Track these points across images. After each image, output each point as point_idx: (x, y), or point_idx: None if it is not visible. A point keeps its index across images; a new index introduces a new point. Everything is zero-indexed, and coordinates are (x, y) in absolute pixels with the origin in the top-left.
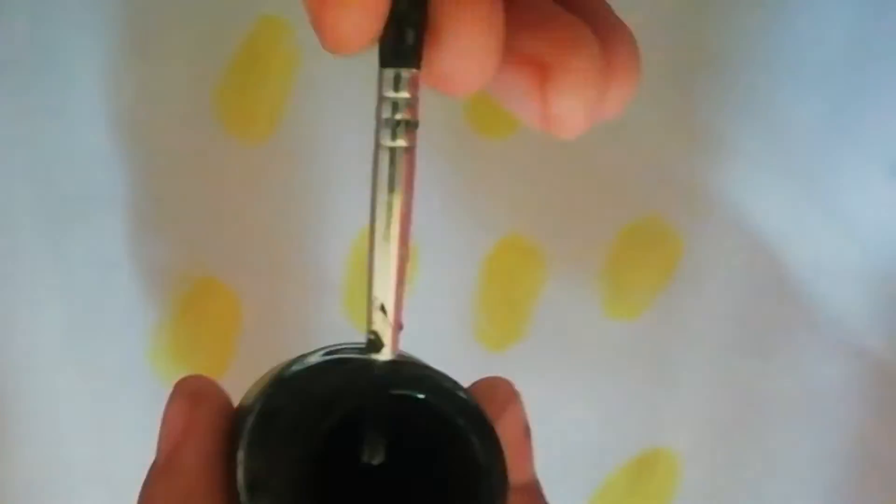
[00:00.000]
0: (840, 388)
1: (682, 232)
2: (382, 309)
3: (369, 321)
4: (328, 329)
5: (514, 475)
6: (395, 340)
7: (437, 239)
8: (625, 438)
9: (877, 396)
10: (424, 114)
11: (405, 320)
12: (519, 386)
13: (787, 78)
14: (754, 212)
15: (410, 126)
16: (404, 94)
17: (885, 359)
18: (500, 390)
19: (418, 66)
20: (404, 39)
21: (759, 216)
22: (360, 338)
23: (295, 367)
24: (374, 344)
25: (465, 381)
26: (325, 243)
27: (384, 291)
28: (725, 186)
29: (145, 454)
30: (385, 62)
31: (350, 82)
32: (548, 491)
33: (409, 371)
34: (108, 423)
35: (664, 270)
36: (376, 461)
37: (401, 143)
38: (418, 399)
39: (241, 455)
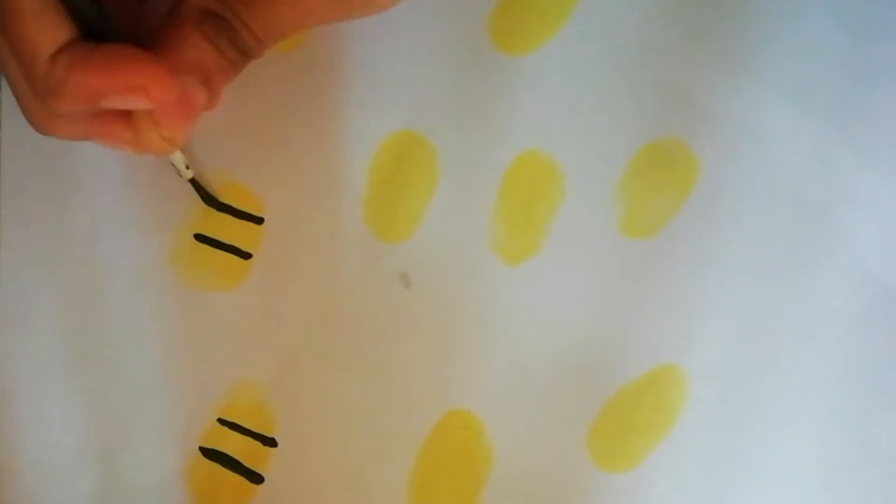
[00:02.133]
0: (852, 314)
1: (701, 154)
2: None
3: None
4: (349, 236)
5: None
6: None
7: (457, 152)
8: (635, 355)
9: (885, 321)
10: (447, 30)
11: None
12: (532, 299)
13: (812, 7)
14: (773, 137)
15: None
16: None
17: (895, 285)
18: None
19: None
20: None
21: (778, 141)
22: None
23: None
24: None
25: (479, 298)
26: (347, 152)
27: None
28: (746, 111)
29: (165, 354)
30: None
31: None
32: (558, 404)
33: None
34: (128, 322)
35: (681, 191)
36: None
37: None
38: None
39: None
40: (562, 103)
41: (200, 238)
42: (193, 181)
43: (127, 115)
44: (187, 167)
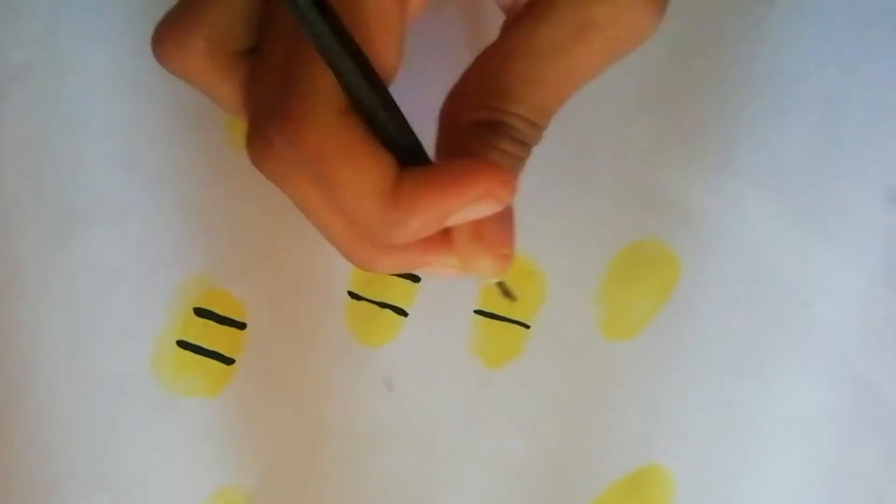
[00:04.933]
0: (834, 412)
1: (681, 254)
2: None
3: None
4: (331, 341)
5: None
6: None
7: None
8: (619, 456)
9: (870, 420)
10: (418, 125)
11: None
12: (515, 402)
13: (787, 103)
14: (753, 235)
15: None
16: None
17: (880, 383)
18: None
19: None
20: None
21: (757, 239)
22: None
23: None
24: None
25: (462, 401)
26: (329, 256)
27: None
28: (725, 209)
29: (147, 460)
30: None
31: None
32: None
33: None
34: (110, 429)
35: (662, 292)
36: None
37: None
38: None
39: None
40: (541, 206)
41: (182, 344)
42: (500, 284)
43: (447, 241)
44: None
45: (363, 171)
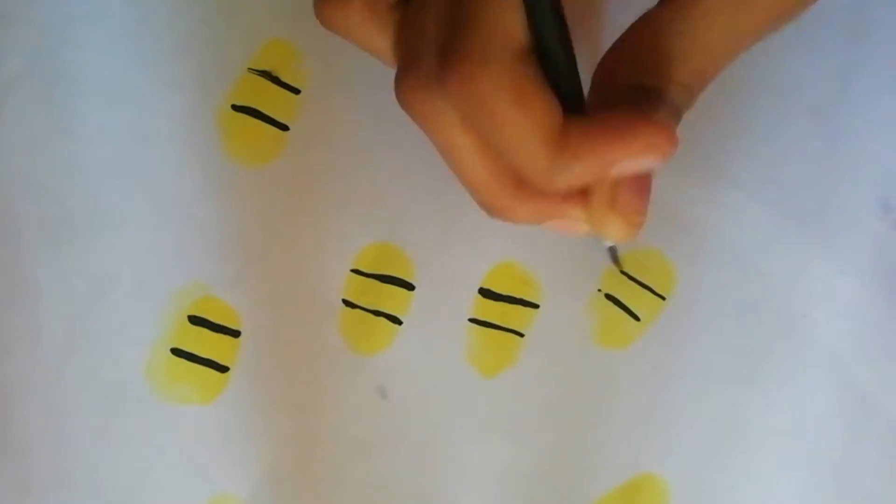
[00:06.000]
0: (830, 421)
1: (676, 263)
2: None
3: None
4: (326, 348)
5: None
6: None
7: (433, 263)
8: (613, 465)
9: (866, 429)
10: (415, 135)
11: None
12: (509, 411)
13: (782, 113)
14: (748, 244)
15: None
16: None
17: (876, 392)
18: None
19: None
20: None
21: (752, 249)
22: None
23: None
24: None
25: (456, 410)
26: (324, 264)
27: None
28: (720, 218)
29: (141, 468)
30: None
31: (354, 107)
32: None
33: None
34: (104, 436)
35: (656, 301)
36: None
37: None
38: None
39: None
40: None
41: (177, 352)
42: (612, 248)
43: (583, 197)
44: None
45: (533, 114)
